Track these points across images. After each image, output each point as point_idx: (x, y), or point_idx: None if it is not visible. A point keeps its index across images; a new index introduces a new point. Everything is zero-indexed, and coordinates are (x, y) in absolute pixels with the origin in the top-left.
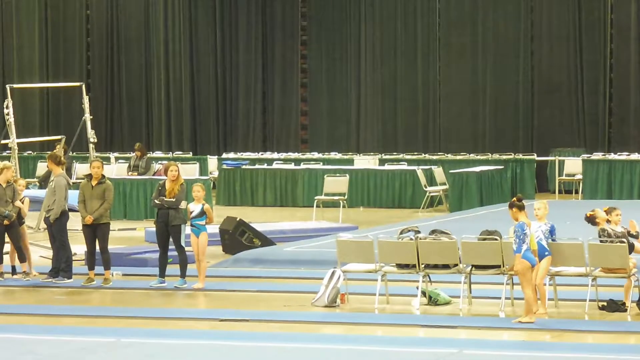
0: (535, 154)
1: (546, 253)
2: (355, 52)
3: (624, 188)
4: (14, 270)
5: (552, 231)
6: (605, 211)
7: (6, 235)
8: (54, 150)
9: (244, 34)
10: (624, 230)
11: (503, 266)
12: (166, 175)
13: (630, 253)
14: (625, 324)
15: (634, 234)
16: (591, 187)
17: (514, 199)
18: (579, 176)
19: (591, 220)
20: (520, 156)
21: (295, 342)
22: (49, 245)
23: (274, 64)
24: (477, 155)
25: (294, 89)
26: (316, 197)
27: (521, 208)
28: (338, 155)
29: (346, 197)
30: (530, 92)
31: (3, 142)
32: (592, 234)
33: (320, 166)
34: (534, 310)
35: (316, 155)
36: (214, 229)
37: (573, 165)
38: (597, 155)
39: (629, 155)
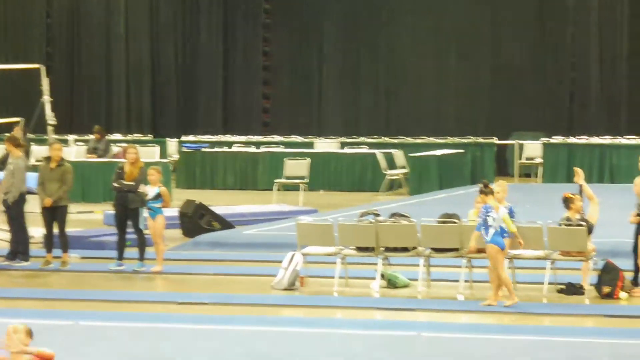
0: (495, 138)
1: (506, 235)
2: (318, 35)
3: (583, 172)
4: None
5: (510, 213)
6: (570, 194)
7: None
8: (12, 133)
9: (205, 17)
10: (582, 213)
11: (462, 249)
12: (125, 158)
13: (589, 234)
14: (583, 307)
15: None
16: (551, 170)
17: (484, 183)
18: (539, 160)
19: (567, 202)
20: (481, 140)
21: (255, 325)
22: (7, 228)
23: (235, 46)
24: (437, 139)
25: (256, 72)
26: (276, 180)
27: (487, 193)
28: (299, 139)
29: (306, 180)
30: (491, 76)
31: None
32: (552, 217)
33: (280, 149)
34: (499, 294)
35: (277, 138)
36: (173, 212)
37: (533, 149)
38: (557, 139)
39: (589, 139)
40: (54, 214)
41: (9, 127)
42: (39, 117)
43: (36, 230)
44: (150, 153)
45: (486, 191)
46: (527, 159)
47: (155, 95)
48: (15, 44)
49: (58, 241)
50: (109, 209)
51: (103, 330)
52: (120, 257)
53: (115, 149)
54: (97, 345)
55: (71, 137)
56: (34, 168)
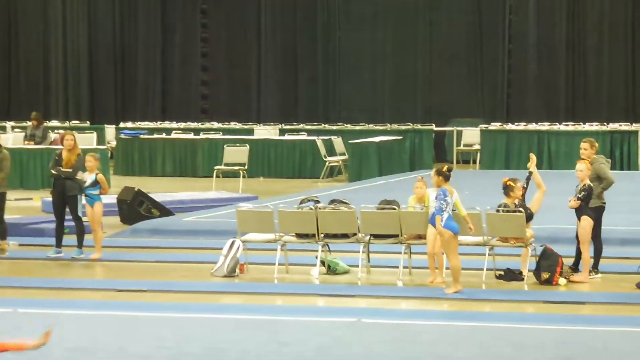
0: (433, 125)
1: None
2: (256, 22)
3: (521, 158)
4: None
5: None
6: (511, 180)
7: None
8: None
9: (143, 3)
10: (520, 200)
11: (401, 235)
12: (62, 145)
13: (529, 221)
14: (522, 293)
15: (526, 186)
16: (489, 157)
17: (444, 167)
18: (477, 146)
19: (507, 188)
20: (419, 126)
21: (194, 312)
22: None
23: (173, 33)
24: (376, 126)
25: (194, 58)
26: (216, 167)
27: (447, 178)
28: (238, 126)
29: (246, 167)
30: (430, 63)
31: None
32: (490, 203)
33: (220, 136)
34: (439, 280)
35: (216, 125)
36: (111, 199)
37: (471, 136)
38: (495, 126)
39: (526, 125)
40: None
41: None
42: None
43: None
44: (88, 140)
45: (446, 175)
46: (465, 145)
47: (93, 82)
48: None
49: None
50: (47, 196)
51: (42, 317)
52: (59, 245)
53: (52, 135)
54: (36, 332)
55: (8, 124)
56: None
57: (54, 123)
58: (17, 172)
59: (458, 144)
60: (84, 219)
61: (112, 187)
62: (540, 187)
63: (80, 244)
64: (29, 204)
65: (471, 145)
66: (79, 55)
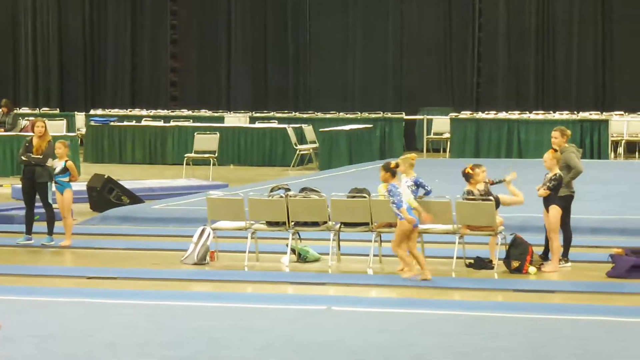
0: (403, 113)
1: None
2: (225, 8)
3: (491, 147)
4: None
5: (417, 183)
6: (470, 168)
7: None
8: None
9: None
10: (486, 184)
11: (372, 223)
12: (33, 132)
13: (497, 208)
14: (492, 281)
15: (496, 181)
16: (459, 145)
17: (392, 164)
18: (447, 135)
19: (467, 176)
20: (389, 115)
21: (164, 299)
22: None
23: (143, 20)
24: (346, 114)
25: (164, 45)
26: (186, 155)
27: (394, 174)
28: (208, 113)
29: (216, 155)
30: (400, 51)
31: None
32: (460, 191)
33: (190, 123)
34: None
35: (186, 112)
36: (81, 186)
37: (441, 124)
38: (465, 114)
39: (496, 114)
40: None
41: None
42: None
43: None
44: (57, 127)
45: (393, 171)
46: (435, 134)
47: (62, 69)
48: None
49: None
50: (16, 183)
51: (12, 304)
52: (29, 232)
53: (23, 122)
54: (6, 318)
55: None
56: None
57: (24, 110)
58: None
59: (428, 133)
60: (54, 206)
61: (82, 175)
62: (516, 196)
63: (50, 231)
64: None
65: (441, 134)
66: (48, 41)
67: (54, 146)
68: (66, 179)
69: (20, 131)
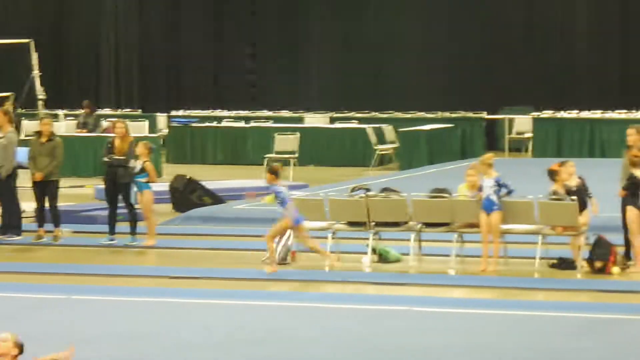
0: (485, 112)
1: (494, 207)
2: (305, 9)
3: (573, 146)
4: None
5: (499, 182)
6: (559, 165)
7: None
8: (4, 107)
9: None
10: (581, 179)
11: (453, 223)
12: (114, 133)
13: (581, 211)
14: (575, 282)
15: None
16: (541, 145)
17: (274, 166)
18: (529, 134)
19: (552, 174)
20: (470, 115)
21: (245, 299)
22: None
23: (223, 20)
24: (427, 114)
25: (245, 46)
26: (266, 155)
27: (278, 176)
28: (288, 114)
29: (297, 155)
30: (482, 50)
31: None
32: (542, 191)
33: (270, 124)
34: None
35: (266, 113)
36: (164, 186)
37: (523, 124)
38: (547, 114)
39: (578, 113)
40: (44, 189)
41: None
42: (29, 92)
43: (27, 205)
44: (139, 128)
45: (276, 173)
46: (517, 133)
47: (144, 70)
48: (1, 19)
49: (49, 215)
50: (99, 184)
51: (95, 304)
52: (112, 232)
53: (104, 123)
54: (90, 319)
55: (61, 112)
56: (24, 142)
57: (106, 111)
58: (69, 159)
59: (510, 132)
60: (136, 206)
61: (164, 175)
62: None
63: (133, 232)
64: (82, 192)
65: (523, 134)
66: (130, 43)
67: (135, 147)
68: (144, 179)
69: (102, 132)
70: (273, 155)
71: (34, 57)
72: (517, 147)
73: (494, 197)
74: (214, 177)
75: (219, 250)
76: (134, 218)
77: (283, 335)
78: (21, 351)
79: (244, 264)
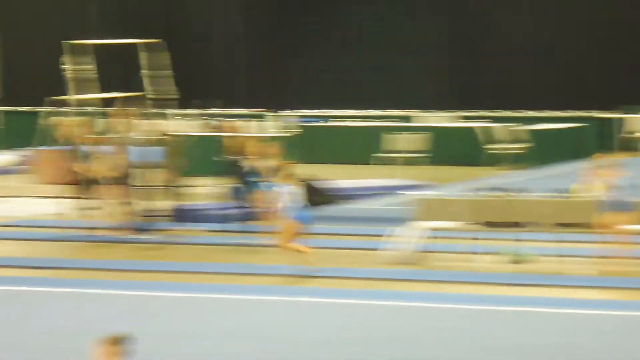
0: (615, 112)
1: (625, 207)
2: (433, 6)
3: None
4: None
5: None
6: None
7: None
8: (131, 107)
9: None
10: None
11: (590, 224)
12: (233, 132)
13: None
14: None
15: None
16: None
17: (281, 165)
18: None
19: None
20: (605, 114)
21: (372, 299)
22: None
23: (350, 20)
24: (560, 113)
25: (366, 45)
26: (385, 154)
27: (289, 176)
28: (415, 112)
29: (424, 155)
30: (607, 49)
31: (60, 97)
32: None
33: (394, 123)
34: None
35: (391, 112)
36: (286, 186)
37: (636, 123)
38: None
39: None
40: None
41: (126, 101)
42: (159, 91)
43: (161, 204)
44: (261, 127)
45: (289, 174)
46: (628, 132)
47: (271, 69)
48: (133, 19)
49: (183, 214)
50: (226, 183)
51: (228, 302)
52: (239, 230)
53: (230, 123)
54: (224, 316)
55: (189, 112)
56: (154, 142)
57: (237, 110)
58: (193, 158)
59: (621, 132)
60: (260, 205)
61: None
62: None
63: (259, 230)
64: (213, 191)
65: (633, 133)
66: (261, 41)
67: (260, 147)
68: (270, 179)
69: (225, 132)
70: (393, 154)
71: (166, 57)
72: (628, 146)
73: (623, 197)
74: (334, 177)
75: (340, 250)
76: (259, 217)
77: (411, 336)
78: (121, 345)
79: (368, 264)
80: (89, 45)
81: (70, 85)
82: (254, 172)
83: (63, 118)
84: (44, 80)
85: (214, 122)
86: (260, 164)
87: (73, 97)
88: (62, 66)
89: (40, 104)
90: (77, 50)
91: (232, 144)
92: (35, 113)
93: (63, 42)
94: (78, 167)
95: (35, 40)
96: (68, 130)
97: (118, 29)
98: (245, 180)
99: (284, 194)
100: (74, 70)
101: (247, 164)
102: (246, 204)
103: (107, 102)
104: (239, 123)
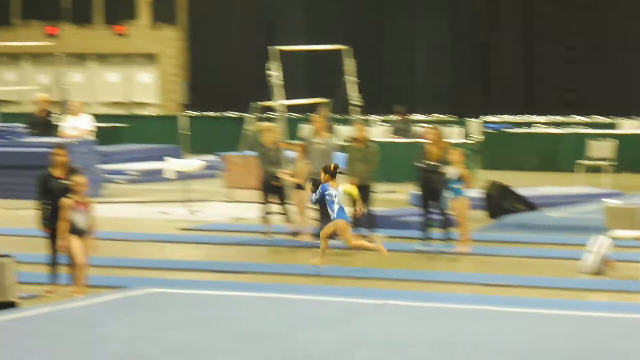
0: None
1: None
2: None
3: None
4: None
5: None
6: None
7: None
8: (321, 113)
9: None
10: None
11: None
12: (428, 139)
13: None
14: None
15: None
16: None
17: (332, 166)
18: None
19: None
20: None
21: (560, 308)
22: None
23: (533, 20)
24: None
25: (558, 50)
26: (579, 162)
27: (333, 176)
28: (603, 119)
29: (612, 162)
30: None
31: (267, 103)
32: None
33: (584, 130)
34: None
35: (580, 118)
36: (478, 193)
37: None
38: None
39: None
40: (360, 193)
41: (314, 108)
42: (343, 98)
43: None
44: (452, 134)
45: (333, 173)
46: None
47: (456, 75)
48: (320, 26)
49: (366, 220)
50: (412, 189)
51: (410, 309)
52: (426, 237)
53: (417, 129)
54: (404, 323)
55: (374, 118)
56: (341, 148)
57: (418, 117)
58: (383, 165)
59: None
60: (450, 212)
61: (478, 182)
62: None
63: (446, 238)
64: (396, 197)
65: None
66: (442, 49)
67: (449, 153)
68: (459, 185)
69: (415, 138)
70: (586, 161)
71: (351, 63)
72: None
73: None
74: (527, 184)
75: (533, 259)
76: (447, 224)
77: (598, 347)
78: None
79: (560, 273)
80: (292, 51)
81: (275, 91)
82: (455, 179)
83: (270, 124)
84: (229, 86)
85: (417, 129)
86: (464, 171)
87: (278, 102)
88: (268, 72)
89: (224, 109)
90: (282, 56)
91: (435, 151)
92: (218, 118)
93: (270, 47)
94: (282, 173)
95: (221, 45)
96: (274, 136)
97: (306, 34)
98: (447, 187)
99: (332, 192)
100: (277, 76)
101: (449, 170)
102: (445, 211)
103: (308, 108)
104: (441, 129)
